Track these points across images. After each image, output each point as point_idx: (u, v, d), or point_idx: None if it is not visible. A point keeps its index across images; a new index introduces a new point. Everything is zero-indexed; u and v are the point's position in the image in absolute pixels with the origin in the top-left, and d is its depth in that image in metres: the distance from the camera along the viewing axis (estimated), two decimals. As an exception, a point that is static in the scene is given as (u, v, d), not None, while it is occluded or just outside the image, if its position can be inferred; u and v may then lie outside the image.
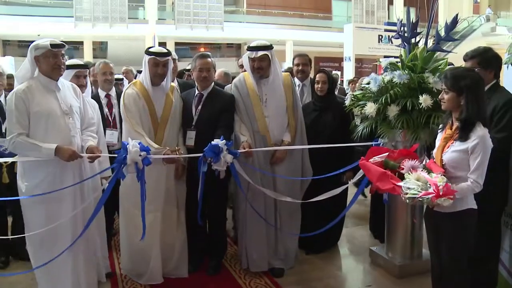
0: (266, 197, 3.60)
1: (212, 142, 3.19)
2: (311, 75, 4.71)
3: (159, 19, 21.00)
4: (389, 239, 3.95)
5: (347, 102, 3.85)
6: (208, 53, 3.79)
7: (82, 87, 3.60)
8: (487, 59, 3.00)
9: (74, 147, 3.03)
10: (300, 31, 22.28)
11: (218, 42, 23.93)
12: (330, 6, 26.02)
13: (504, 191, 3.08)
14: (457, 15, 3.50)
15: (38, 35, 18.71)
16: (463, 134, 2.55)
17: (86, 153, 3.09)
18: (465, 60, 3.13)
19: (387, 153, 2.90)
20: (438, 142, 2.76)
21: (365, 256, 4.21)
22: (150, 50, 3.53)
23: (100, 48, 23.34)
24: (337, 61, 22.56)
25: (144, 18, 21.13)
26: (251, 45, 3.69)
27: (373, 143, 3.60)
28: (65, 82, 3.20)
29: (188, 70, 4.64)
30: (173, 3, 21.22)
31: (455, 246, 2.68)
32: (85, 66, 3.77)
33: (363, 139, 3.66)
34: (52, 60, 2.98)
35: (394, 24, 14.67)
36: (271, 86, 3.69)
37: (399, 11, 17.14)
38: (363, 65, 18.50)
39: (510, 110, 2.86)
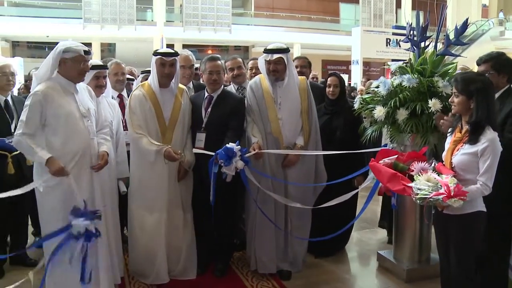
0: (276, 200, 3.60)
1: (228, 145, 3.21)
2: (317, 77, 4.72)
3: (167, 21, 21.06)
4: (397, 243, 3.94)
5: (356, 106, 3.85)
6: (218, 55, 3.78)
7: (102, 87, 3.64)
8: (500, 63, 3.01)
9: (93, 149, 3.12)
10: (307, 34, 22.26)
11: (226, 45, 23.96)
12: (338, 9, 26.00)
13: None
14: (467, 19, 3.49)
15: (47, 36, 18.87)
16: (473, 137, 2.57)
17: (98, 157, 3.14)
18: (478, 64, 3.13)
19: (396, 156, 2.92)
20: (448, 145, 2.77)
21: (372, 260, 4.20)
22: (157, 50, 3.57)
23: (108, 49, 23.44)
24: (345, 64, 22.55)
25: (152, 20, 21.21)
26: (267, 47, 3.69)
27: (382, 147, 3.59)
28: (81, 84, 3.22)
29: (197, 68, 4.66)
30: (181, 5, 21.28)
31: (463, 249, 2.69)
32: (105, 66, 3.79)
33: (371, 143, 3.66)
34: (81, 66, 3.04)
35: (402, 27, 14.65)
36: (286, 89, 3.67)
37: (407, 15, 17.08)
38: (371, 68, 18.46)
39: None
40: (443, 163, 2.71)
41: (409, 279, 3.69)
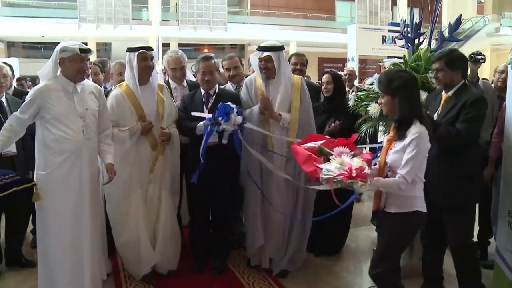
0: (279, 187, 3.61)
1: (223, 103, 3.35)
2: (309, 76, 4.72)
3: (162, 20, 21.04)
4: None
5: (351, 103, 3.85)
6: (211, 54, 3.79)
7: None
8: (452, 60, 3.04)
9: (88, 151, 3.11)
10: (303, 31, 22.28)
11: (222, 43, 23.95)
12: (333, 7, 26.01)
13: (472, 184, 3.09)
14: (460, 15, 3.51)
15: (42, 37, 18.82)
16: (400, 133, 2.61)
17: (106, 169, 3.19)
18: (433, 62, 3.18)
19: (323, 141, 2.88)
20: (384, 144, 2.82)
21: (369, 257, 4.19)
22: (134, 47, 3.52)
23: (104, 49, 23.39)
24: (341, 61, 22.51)
25: (148, 19, 21.19)
26: (260, 44, 3.70)
27: (378, 145, 3.61)
28: (87, 83, 3.25)
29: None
30: (176, 4, 21.25)
31: (391, 245, 2.73)
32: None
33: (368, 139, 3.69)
34: (78, 64, 3.04)
35: (397, 24, 14.63)
36: (276, 86, 3.67)
37: (402, 12, 17.11)
38: (367, 65, 18.45)
39: (478, 109, 2.92)
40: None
41: (404, 276, 3.68)
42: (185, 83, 4.21)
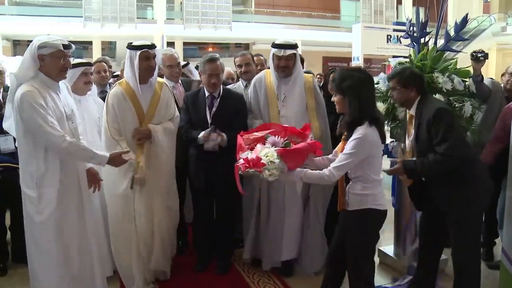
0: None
1: None
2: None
3: (167, 19, 21.03)
4: (397, 240, 3.94)
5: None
6: (217, 55, 3.70)
7: (90, 84, 3.63)
8: (405, 78, 3.01)
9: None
10: (308, 31, 22.20)
11: (227, 42, 23.93)
12: (338, 6, 25.94)
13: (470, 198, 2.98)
14: (467, 14, 3.49)
15: (48, 35, 18.77)
16: (349, 134, 2.63)
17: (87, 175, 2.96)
18: (388, 81, 3.17)
19: (271, 129, 2.88)
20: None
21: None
22: (136, 44, 3.37)
23: (109, 48, 23.41)
24: (346, 61, 22.46)
25: (153, 18, 21.18)
26: (277, 42, 3.61)
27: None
28: (61, 83, 2.93)
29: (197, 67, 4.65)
30: (181, 3, 21.24)
31: (352, 243, 2.75)
32: (90, 63, 3.77)
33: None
34: (61, 61, 2.76)
35: (402, 24, 14.58)
36: (292, 85, 3.63)
37: (407, 11, 17.03)
38: (372, 65, 18.41)
39: (442, 120, 2.84)
40: None
41: (410, 274, 3.68)
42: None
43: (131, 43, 3.40)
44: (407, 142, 3.13)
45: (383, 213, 2.74)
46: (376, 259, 4.08)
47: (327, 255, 3.09)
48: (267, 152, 2.55)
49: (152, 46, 3.40)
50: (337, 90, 2.70)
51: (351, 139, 2.58)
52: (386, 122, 3.60)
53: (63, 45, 2.75)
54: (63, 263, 2.80)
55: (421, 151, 2.95)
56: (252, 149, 2.69)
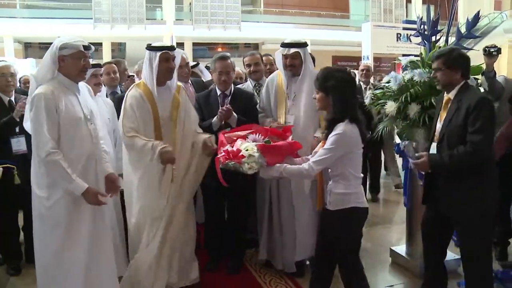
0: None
1: None
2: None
3: (176, 19, 21.08)
4: (410, 239, 3.92)
5: (367, 101, 3.82)
6: (228, 54, 3.75)
7: (100, 85, 3.67)
8: (452, 59, 2.92)
9: (98, 154, 2.89)
10: (317, 30, 22.13)
11: (236, 42, 23.94)
12: (347, 5, 25.84)
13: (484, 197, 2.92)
14: (478, 11, 3.45)
15: (58, 37, 18.94)
16: (329, 132, 2.68)
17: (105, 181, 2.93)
18: (432, 61, 3.09)
19: (253, 130, 2.96)
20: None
21: (385, 256, 4.18)
22: (156, 45, 3.32)
23: (118, 49, 23.54)
24: (355, 60, 22.37)
25: (162, 19, 21.25)
26: (284, 41, 3.63)
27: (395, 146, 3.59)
28: (81, 84, 2.95)
29: (208, 67, 4.67)
30: (190, 3, 21.28)
31: (340, 243, 2.77)
32: (100, 65, 3.80)
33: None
34: (82, 62, 2.77)
35: (412, 22, 14.52)
36: (301, 84, 3.62)
37: (417, 9, 16.94)
38: (381, 63, 18.33)
39: (484, 110, 2.77)
40: None
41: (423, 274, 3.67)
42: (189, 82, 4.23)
43: (151, 44, 3.35)
44: (438, 125, 3.03)
45: (365, 211, 2.79)
46: (388, 259, 4.08)
47: (314, 255, 3.07)
48: (247, 146, 2.64)
49: (172, 48, 3.34)
50: (321, 89, 2.75)
51: (331, 134, 2.64)
52: (397, 120, 3.57)
53: (83, 46, 2.77)
54: (72, 265, 2.77)
55: (451, 135, 2.88)
56: (232, 144, 2.77)
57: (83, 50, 2.76)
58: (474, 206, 2.84)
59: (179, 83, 3.56)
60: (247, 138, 2.83)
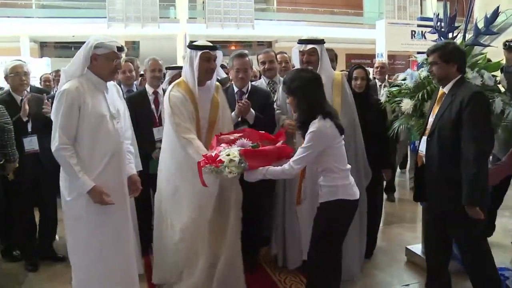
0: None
1: None
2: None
3: (190, 18, 21.12)
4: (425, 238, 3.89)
5: (383, 99, 3.79)
6: (246, 51, 3.74)
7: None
8: (448, 52, 2.89)
9: (123, 153, 2.95)
10: (331, 28, 22.02)
11: (249, 40, 23.93)
12: (361, 3, 25.67)
13: None
14: (498, 7, 3.40)
15: (73, 36, 19.16)
16: (303, 132, 2.73)
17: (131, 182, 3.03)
18: (427, 55, 3.05)
19: (246, 133, 3.03)
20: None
21: (401, 255, 4.15)
22: (198, 44, 3.26)
23: (132, 47, 23.65)
24: (369, 57, 22.24)
25: (175, 18, 21.31)
26: (301, 38, 3.62)
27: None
28: (110, 83, 2.99)
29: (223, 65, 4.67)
30: (203, 2, 21.31)
31: (318, 235, 2.81)
32: None
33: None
34: (114, 63, 2.83)
35: (427, 19, 14.39)
36: None
37: (432, 6, 16.76)
38: (396, 61, 18.20)
39: (477, 105, 2.73)
40: None
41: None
42: None
43: (193, 42, 3.32)
44: (430, 119, 3.02)
45: (354, 203, 2.81)
46: (404, 258, 4.06)
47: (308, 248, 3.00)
48: (228, 151, 2.69)
49: (214, 48, 3.26)
50: (288, 92, 2.80)
51: (307, 133, 2.68)
52: (413, 118, 3.53)
53: (117, 47, 2.83)
54: (99, 260, 2.85)
55: (442, 129, 2.86)
56: (215, 149, 2.83)
57: (116, 51, 2.83)
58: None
59: (217, 84, 3.49)
60: (236, 143, 2.89)
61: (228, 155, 2.67)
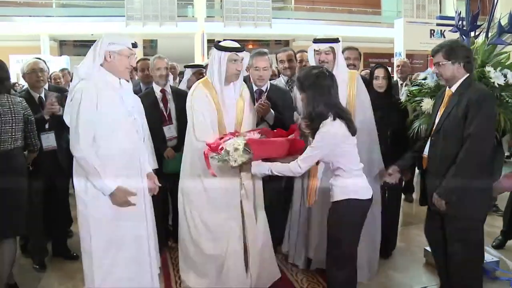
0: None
1: None
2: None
3: (207, 16, 21.19)
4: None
5: (403, 98, 3.75)
6: (266, 50, 3.72)
7: (128, 82, 3.67)
8: (452, 51, 2.83)
9: (141, 150, 2.94)
10: (349, 27, 21.90)
11: (267, 39, 23.92)
12: (379, 1, 25.47)
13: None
14: (523, 5, 3.33)
15: (92, 35, 19.36)
16: (313, 131, 2.72)
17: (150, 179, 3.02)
18: (432, 56, 2.98)
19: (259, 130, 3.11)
20: None
21: (419, 256, 4.10)
22: (224, 45, 3.21)
23: (150, 46, 23.82)
24: (387, 57, 22.06)
25: (193, 16, 21.40)
26: (317, 37, 3.61)
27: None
28: (123, 80, 2.94)
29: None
30: (221, 0, 21.38)
31: (334, 233, 2.80)
32: None
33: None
34: (128, 60, 2.82)
35: (446, 18, 14.23)
36: None
37: (451, 4, 16.56)
38: (414, 60, 18.03)
39: (484, 106, 2.70)
40: None
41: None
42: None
43: (219, 42, 3.28)
44: (436, 120, 2.98)
45: (365, 203, 2.79)
46: (423, 259, 4.01)
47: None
48: (234, 141, 2.73)
49: (241, 49, 3.21)
50: (300, 89, 2.78)
51: (317, 133, 2.67)
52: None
53: (132, 43, 2.84)
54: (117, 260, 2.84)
55: (447, 129, 2.83)
56: (223, 139, 2.89)
57: (130, 48, 2.82)
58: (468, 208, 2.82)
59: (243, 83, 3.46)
60: (245, 135, 2.93)
61: (233, 144, 2.71)
